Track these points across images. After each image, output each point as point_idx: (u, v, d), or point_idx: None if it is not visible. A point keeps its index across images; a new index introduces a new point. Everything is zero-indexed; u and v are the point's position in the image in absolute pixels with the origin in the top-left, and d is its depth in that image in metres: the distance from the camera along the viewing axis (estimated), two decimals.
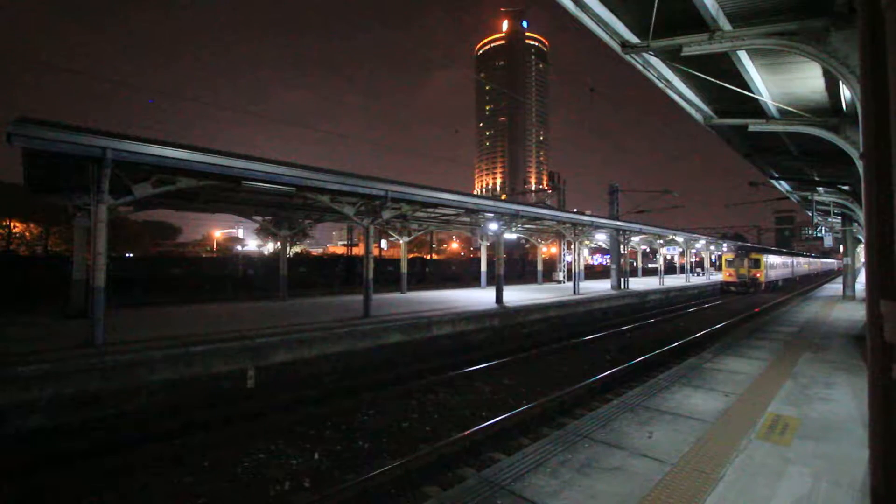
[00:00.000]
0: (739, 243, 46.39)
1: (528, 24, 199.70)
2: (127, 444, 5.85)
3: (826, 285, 36.22)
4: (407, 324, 10.78)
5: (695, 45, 5.97)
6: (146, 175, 8.14)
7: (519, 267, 43.85)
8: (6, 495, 4.65)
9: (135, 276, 23.64)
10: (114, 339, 7.74)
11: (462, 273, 38.62)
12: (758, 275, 31.77)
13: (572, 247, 21.66)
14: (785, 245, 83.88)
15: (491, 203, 15.45)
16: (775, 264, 36.47)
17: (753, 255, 32.54)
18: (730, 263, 33.07)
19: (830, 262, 76.15)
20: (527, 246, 57.86)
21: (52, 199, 11.26)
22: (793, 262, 44.27)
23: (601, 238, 26.35)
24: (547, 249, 38.38)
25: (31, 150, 6.79)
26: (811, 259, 60.47)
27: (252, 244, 61.45)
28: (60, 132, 6.75)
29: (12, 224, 35.62)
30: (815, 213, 17.86)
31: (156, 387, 7.06)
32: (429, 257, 46.04)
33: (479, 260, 27.63)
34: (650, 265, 58.70)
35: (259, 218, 15.52)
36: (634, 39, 6.64)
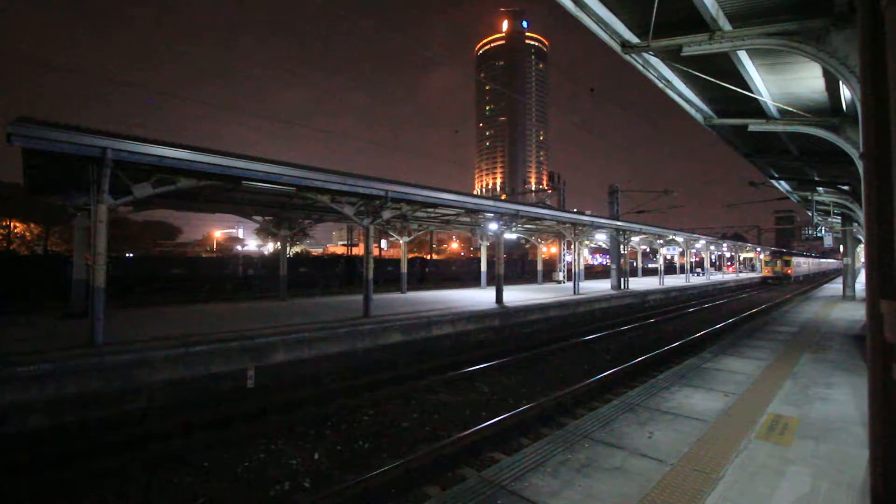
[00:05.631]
0: (774, 248, 63.43)
1: (528, 24, 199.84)
2: (127, 444, 5.85)
3: (826, 285, 36.27)
4: (407, 324, 10.78)
5: (695, 45, 5.97)
6: (146, 175, 8.13)
7: (519, 267, 43.85)
8: (6, 495, 4.65)
9: (135, 276, 23.64)
10: (114, 339, 7.74)
11: (462, 273, 38.61)
12: (788, 271, 43.65)
13: (572, 247, 21.66)
14: (785, 245, 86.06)
15: (491, 203, 15.44)
16: (800, 263, 49.71)
17: (785, 258, 45.73)
18: (767, 263, 46.26)
19: (833, 262, 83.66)
20: (527, 246, 57.83)
21: (52, 199, 11.26)
22: (808, 262, 58.92)
23: (601, 238, 26.34)
24: (547, 249, 38.38)
25: (31, 150, 6.79)
26: (820, 260, 76.63)
27: (252, 244, 61.50)
28: (60, 132, 6.75)
29: (12, 224, 35.62)
30: (815, 213, 17.86)
31: (156, 387, 7.06)
32: (429, 257, 46.04)
33: (479, 260, 27.63)
34: (650, 265, 58.73)
35: (259, 218, 15.51)
36: (634, 39, 6.64)
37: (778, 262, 44.81)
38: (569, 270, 28.68)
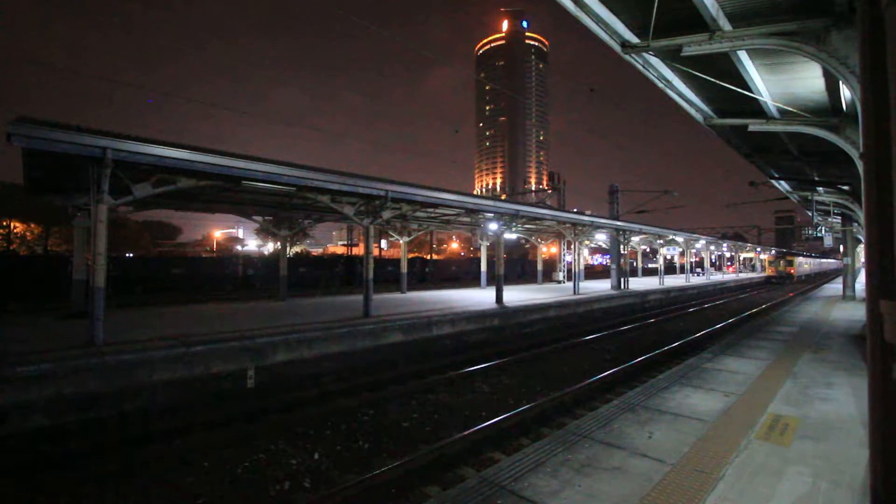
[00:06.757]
0: (778, 249, 66.18)
1: (528, 24, 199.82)
2: (127, 444, 5.85)
3: (826, 285, 36.32)
4: (407, 324, 10.78)
5: (695, 46, 5.97)
6: (146, 175, 8.13)
7: (519, 267, 43.84)
8: (7, 495, 4.65)
9: (135, 276, 23.64)
10: (114, 339, 7.74)
11: (462, 273, 38.63)
12: (791, 271, 46.63)
13: (572, 247, 21.65)
14: (785, 245, 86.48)
15: (491, 203, 15.44)
16: (801, 263, 52.90)
17: (788, 258, 48.74)
18: (772, 263, 49.46)
19: (833, 262, 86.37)
20: (527, 246, 57.83)
21: (52, 199, 11.26)
22: (809, 262, 62.54)
23: (601, 238, 26.34)
24: (547, 249, 38.34)
25: (31, 150, 6.79)
26: (821, 260, 79.93)
27: (252, 244, 61.51)
28: (60, 132, 6.74)
29: (12, 224, 35.62)
30: (815, 213, 17.84)
31: (156, 387, 7.05)
32: (429, 257, 46.01)
33: (479, 260, 27.62)
34: (650, 265, 58.76)
35: (259, 218, 15.51)
36: (634, 39, 6.63)
37: (781, 262, 48.28)
38: (569, 270, 28.67)
